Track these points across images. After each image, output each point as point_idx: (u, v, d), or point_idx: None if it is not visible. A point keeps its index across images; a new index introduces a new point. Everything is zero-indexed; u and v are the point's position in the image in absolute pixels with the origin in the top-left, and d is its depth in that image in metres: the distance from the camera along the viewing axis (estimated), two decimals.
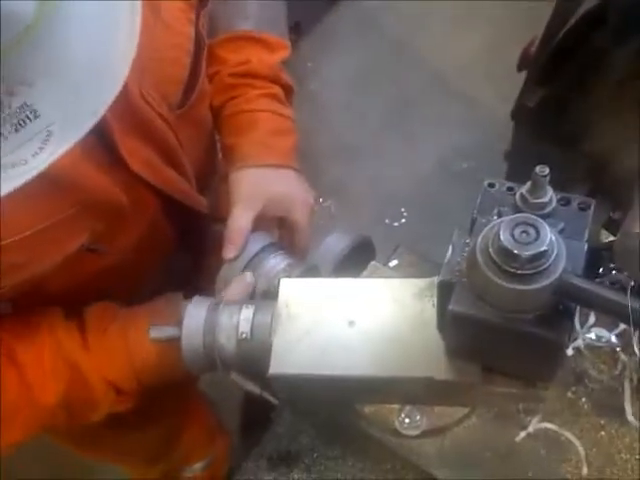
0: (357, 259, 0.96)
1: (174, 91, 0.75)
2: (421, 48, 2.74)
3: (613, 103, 0.65)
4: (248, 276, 0.76)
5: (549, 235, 0.47)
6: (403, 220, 2.56)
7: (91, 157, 0.64)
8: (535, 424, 0.64)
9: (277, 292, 0.66)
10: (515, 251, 0.46)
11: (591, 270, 0.59)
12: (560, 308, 0.49)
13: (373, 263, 0.81)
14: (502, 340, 0.53)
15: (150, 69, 0.69)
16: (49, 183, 0.58)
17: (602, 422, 0.63)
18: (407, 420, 0.64)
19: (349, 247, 0.95)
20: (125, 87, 0.57)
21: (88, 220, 0.67)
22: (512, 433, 0.65)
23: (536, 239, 0.47)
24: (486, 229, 0.50)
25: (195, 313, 0.66)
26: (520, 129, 0.96)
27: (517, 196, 0.54)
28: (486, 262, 0.48)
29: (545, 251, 0.46)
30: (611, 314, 0.46)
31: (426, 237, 2.43)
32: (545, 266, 0.47)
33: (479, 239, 0.50)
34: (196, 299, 0.68)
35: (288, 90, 0.91)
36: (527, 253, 0.46)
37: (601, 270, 0.64)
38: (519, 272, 0.47)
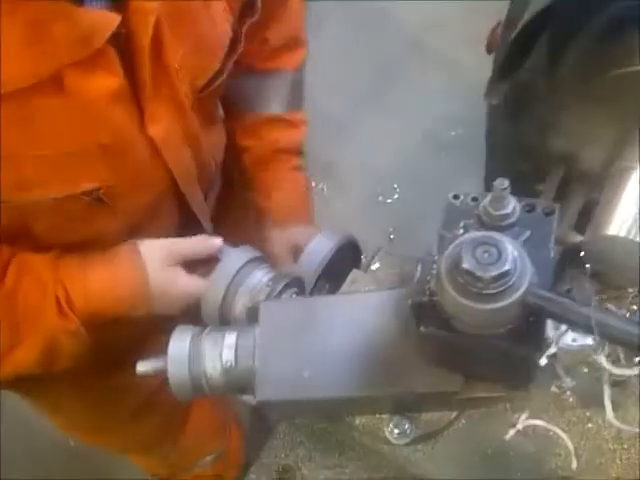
0: (343, 260, 0.97)
1: (202, 77, 0.82)
2: (398, 13, 2.69)
3: (574, 95, 0.65)
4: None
5: (511, 254, 0.47)
6: (396, 196, 2.55)
7: (120, 102, 0.70)
8: (523, 421, 0.65)
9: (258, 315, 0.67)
10: (478, 273, 0.47)
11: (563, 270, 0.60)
12: (530, 320, 0.49)
13: (355, 271, 0.81)
14: (477, 354, 0.54)
15: (190, 50, 0.75)
16: (81, 112, 0.66)
17: (588, 414, 0.64)
18: (396, 430, 0.65)
19: (332, 252, 0.95)
20: (165, 56, 0.71)
21: (101, 165, 0.73)
22: (501, 432, 0.66)
23: (498, 259, 0.47)
24: (450, 248, 0.51)
25: (179, 343, 0.66)
26: (491, 114, 0.95)
27: (480, 210, 0.55)
28: (452, 283, 0.49)
29: (508, 270, 0.47)
30: (575, 326, 0.47)
31: (421, 211, 2.44)
32: (509, 284, 0.47)
33: (443, 259, 0.50)
34: (179, 328, 0.68)
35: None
36: (490, 274, 0.47)
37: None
38: (484, 292, 0.47)
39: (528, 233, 0.53)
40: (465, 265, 0.47)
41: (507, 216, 0.53)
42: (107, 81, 0.68)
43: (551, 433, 0.64)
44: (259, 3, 0.87)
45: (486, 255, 0.47)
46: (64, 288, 0.77)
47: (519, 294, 0.47)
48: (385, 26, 2.72)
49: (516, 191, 0.83)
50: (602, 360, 0.47)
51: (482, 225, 0.55)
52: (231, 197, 1.12)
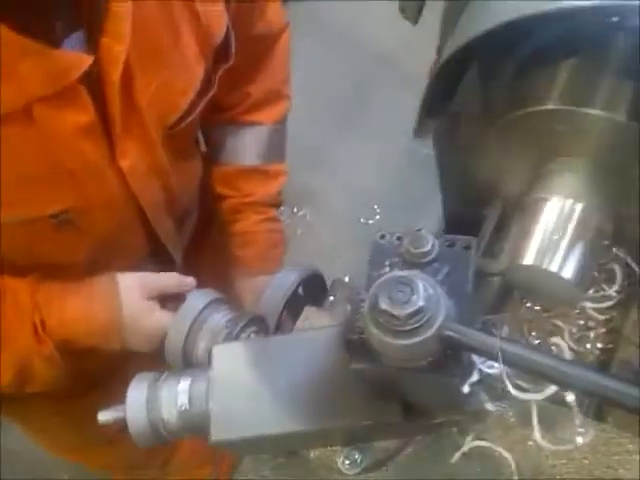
0: (308, 294, 1.00)
1: (172, 115, 0.87)
2: (371, 34, 2.73)
3: (497, 128, 0.69)
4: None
5: (424, 291, 0.51)
6: (377, 217, 2.59)
7: (90, 136, 0.75)
8: (468, 443, 0.68)
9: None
10: (394, 312, 0.50)
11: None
12: (448, 352, 0.53)
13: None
14: (408, 385, 0.58)
15: (162, 88, 0.81)
16: (50, 143, 0.71)
17: (529, 433, 0.68)
18: (347, 461, 0.68)
19: (293, 287, 0.98)
20: (136, 91, 0.76)
21: (69, 190, 0.77)
22: (448, 455, 0.69)
23: (411, 297, 0.51)
24: (373, 287, 0.54)
25: (137, 392, 0.69)
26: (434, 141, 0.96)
27: (403, 249, 0.58)
28: (373, 321, 0.52)
29: (421, 307, 0.50)
30: (485, 356, 0.50)
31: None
32: (424, 320, 0.51)
33: (368, 297, 0.54)
34: (137, 377, 0.71)
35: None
36: (405, 312, 0.50)
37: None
38: (401, 329, 0.51)
39: (447, 268, 0.57)
40: (382, 305, 0.51)
41: (427, 254, 0.57)
42: (77, 117, 0.73)
43: (496, 453, 0.67)
44: (232, 50, 0.92)
45: (400, 294, 0.51)
46: (40, 313, 0.81)
47: (434, 329, 0.51)
48: (359, 47, 2.78)
49: (467, 218, 0.87)
50: (508, 387, 0.51)
51: (405, 263, 0.59)
52: (209, 233, 1.17)
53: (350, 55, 2.78)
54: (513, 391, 0.51)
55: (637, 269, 0.77)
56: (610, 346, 0.80)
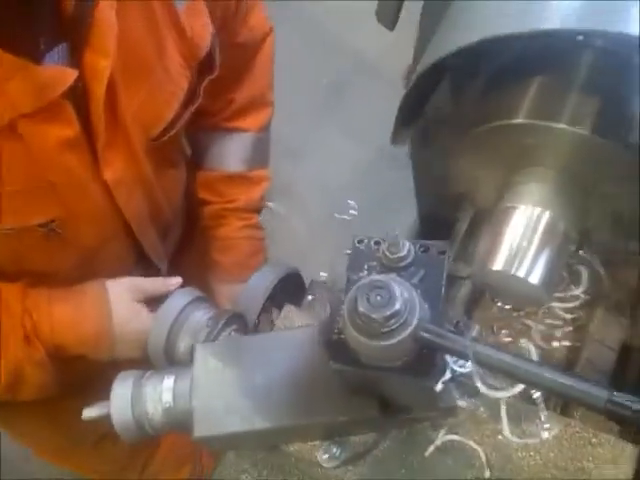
0: (286, 292, 1.02)
1: (156, 126, 0.88)
2: (349, 32, 2.74)
3: (468, 138, 0.72)
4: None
5: (400, 295, 0.54)
6: (353, 212, 2.62)
7: (75, 150, 0.76)
8: (442, 437, 0.71)
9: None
10: (372, 315, 0.53)
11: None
12: (423, 352, 0.56)
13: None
14: (383, 383, 0.61)
15: (146, 101, 0.82)
16: (36, 157, 0.72)
17: (499, 427, 0.71)
18: (326, 455, 0.71)
19: (272, 286, 1.01)
20: (121, 105, 0.76)
21: (54, 201, 0.78)
22: (423, 448, 0.72)
23: (389, 301, 0.53)
24: (352, 290, 0.57)
25: (122, 389, 0.71)
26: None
27: (380, 253, 0.61)
28: (352, 323, 0.55)
29: (398, 310, 0.53)
30: (458, 356, 0.53)
31: (376, 226, 2.51)
32: (401, 322, 0.53)
33: (346, 300, 0.56)
34: (122, 374, 0.73)
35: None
36: (382, 315, 0.53)
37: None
38: (379, 331, 0.54)
39: (422, 272, 0.60)
40: (360, 308, 0.53)
41: (403, 258, 0.60)
42: (62, 131, 0.74)
43: (467, 446, 0.71)
44: (217, 62, 0.93)
45: (378, 298, 0.54)
46: (31, 318, 0.83)
47: (410, 330, 0.53)
48: (336, 45, 2.79)
49: (440, 218, 0.89)
50: (478, 384, 0.54)
51: (383, 267, 0.62)
52: (192, 238, 1.18)
53: (327, 52, 2.79)
54: (484, 389, 0.54)
55: (602, 271, 0.81)
56: (577, 344, 0.84)
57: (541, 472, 0.69)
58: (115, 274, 0.90)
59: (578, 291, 0.84)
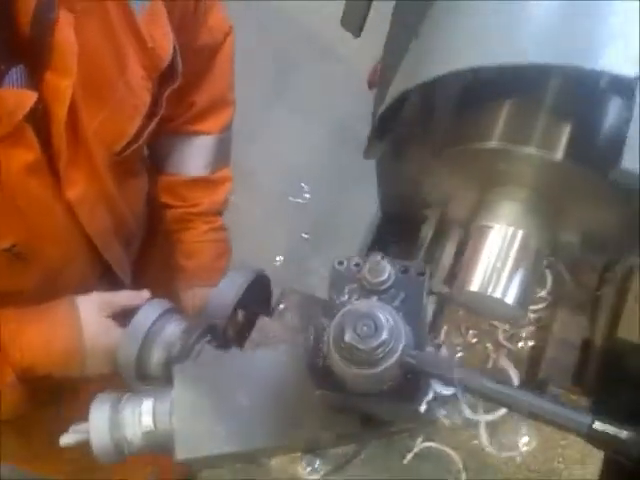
0: (253, 295, 1.02)
1: (119, 142, 0.86)
2: (299, 12, 2.70)
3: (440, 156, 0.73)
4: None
5: (386, 324, 0.55)
6: (307, 195, 2.62)
7: (36, 173, 0.74)
8: (419, 445, 0.74)
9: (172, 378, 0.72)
10: (359, 345, 0.54)
11: None
12: (408, 377, 0.57)
13: (262, 318, 0.87)
14: (367, 403, 0.62)
15: (108, 118, 0.80)
16: None
17: (474, 433, 0.74)
18: (308, 468, 0.72)
19: (241, 292, 1.00)
20: (82, 124, 0.74)
21: (18, 224, 0.77)
22: (401, 455, 0.74)
23: (376, 330, 0.54)
24: (337, 317, 0.57)
25: (99, 413, 0.71)
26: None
27: (361, 276, 0.62)
28: (338, 351, 0.56)
29: (384, 340, 0.54)
30: (442, 381, 0.55)
31: (331, 209, 2.51)
32: (387, 350, 0.55)
33: (331, 329, 0.57)
34: (99, 398, 0.73)
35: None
36: (369, 345, 0.54)
37: None
38: (365, 359, 0.54)
39: (403, 295, 0.61)
40: (347, 339, 0.54)
41: (384, 282, 0.61)
42: (23, 156, 0.72)
43: (444, 452, 0.73)
44: (179, 70, 0.91)
45: (365, 328, 0.54)
46: (1, 341, 0.80)
47: (395, 357, 0.55)
48: (286, 25, 2.75)
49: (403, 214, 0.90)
50: (463, 406, 0.56)
51: (363, 289, 0.62)
52: (154, 242, 1.16)
53: (275, 30, 2.75)
54: (468, 413, 0.56)
55: (566, 275, 0.84)
56: (540, 344, 0.88)
57: (515, 474, 0.72)
58: (80, 289, 0.88)
59: (543, 293, 0.88)
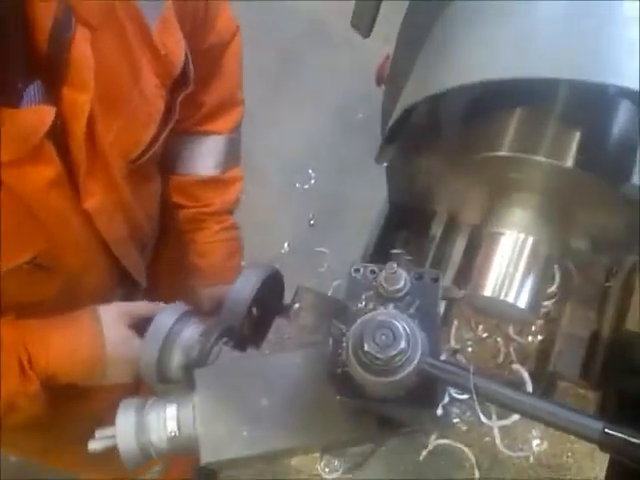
0: (267, 291, 1.04)
1: (135, 150, 0.87)
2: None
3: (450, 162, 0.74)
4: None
5: (404, 333, 0.56)
6: (312, 181, 2.63)
7: (57, 187, 0.75)
8: (433, 442, 0.76)
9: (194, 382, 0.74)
10: (378, 355, 0.56)
11: None
12: (425, 383, 0.59)
13: (278, 319, 0.89)
14: (387, 410, 0.64)
15: (123, 128, 0.81)
16: (19, 201, 0.71)
17: (485, 430, 0.76)
18: (327, 468, 0.75)
19: (255, 291, 1.02)
20: (99, 135, 0.75)
21: (39, 237, 0.78)
22: (416, 453, 0.76)
23: (394, 340, 0.56)
24: (356, 326, 0.59)
25: (125, 418, 0.73)
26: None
27: (378, 284, 0.64)
28: (357, 361, 0.58)
29: (403, 348, 0.56)
30: (459, 389, 0.57)
31: (337, 194, 2.52)
32: (405, 358, 0.57)
33: (350, 337, 0.59)
34: (124, 402, 0.75)
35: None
36: (388, 354, 0.56)
37: None
38: (384, 368, 0.56)
39: (418, 302, 0.63)
40: (366, 347, 0.56)
41: (399, 290, 0.63)
42: (45, 172, 0.73)
43: (457, 449, 0.76)
44: (192, 76, 0.92)
45: (383, 337, 0.56)
46: (26, 350, 0.82)
47: (414, 364, 0.57)
48: (288, 10, 2.73)
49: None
50: (479, 414, 0.58)
51: (380, 296, 0.64)
52: (167, 241, 1.17)
53: (279, 19, 2.74)
54: (484, 419, 0.58)
55: (574, 270, 0.86)
56: (549, 338, 0.90)
57: (526, 469, 0.75)
58: (99, 296, 0.90)
59: (552, 288, 0.89)
